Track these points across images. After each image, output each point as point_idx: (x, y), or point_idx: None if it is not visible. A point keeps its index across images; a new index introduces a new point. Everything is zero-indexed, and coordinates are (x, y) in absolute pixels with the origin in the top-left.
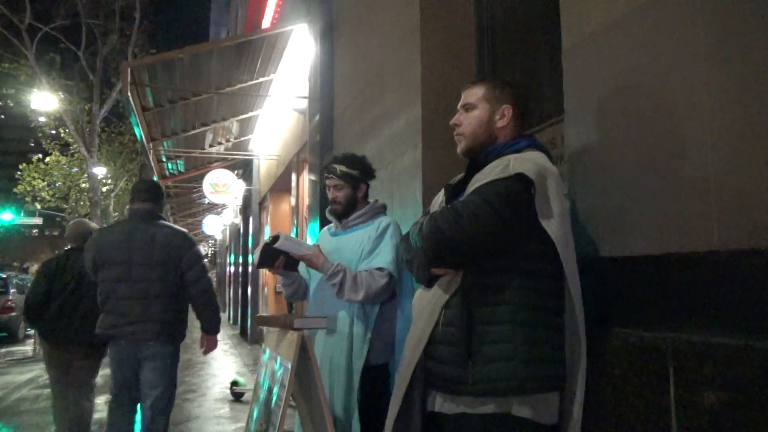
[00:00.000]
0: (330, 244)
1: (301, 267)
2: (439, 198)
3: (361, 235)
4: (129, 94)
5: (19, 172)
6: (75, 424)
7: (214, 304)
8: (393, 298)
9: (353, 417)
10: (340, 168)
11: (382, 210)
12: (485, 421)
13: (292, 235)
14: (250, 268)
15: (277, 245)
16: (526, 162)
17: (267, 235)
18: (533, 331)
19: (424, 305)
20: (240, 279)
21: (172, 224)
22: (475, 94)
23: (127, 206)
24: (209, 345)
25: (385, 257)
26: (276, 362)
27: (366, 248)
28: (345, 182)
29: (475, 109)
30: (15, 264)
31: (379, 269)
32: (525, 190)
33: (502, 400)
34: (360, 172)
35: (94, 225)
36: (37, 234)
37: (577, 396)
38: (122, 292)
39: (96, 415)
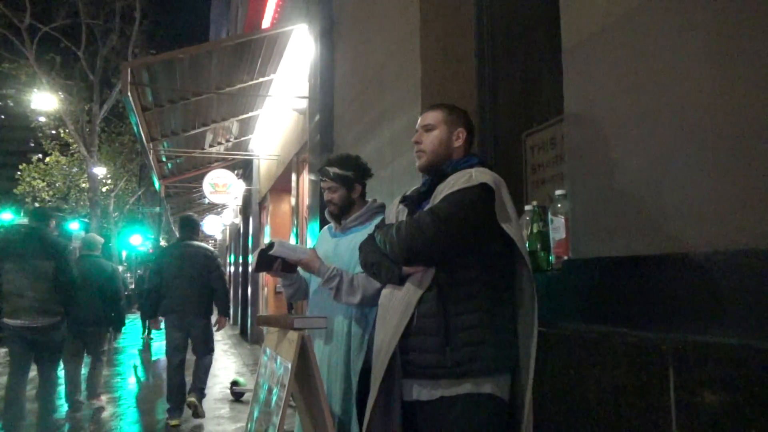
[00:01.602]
0: (329, 246)
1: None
2: (395, 207)
3: (359, 237)
4: (129, 94)
5: (19, 173)
6: (90, 379)
7: (227, 296)
8: None
9: (352, 418)
10: (333, 170)
11: (380, 210)
12: (463, 401)
13: (292, 235)
14: (250, 269)
15: (272, 252)
16: (486, 174)
17: (267, 235)
18: (496, 318)
19: (397, 301)
20: (240, 279)
21: (203, 244)
22: (434, 117)
23: (178, 236)
24: (221, 323)
25: None
26: (276, 362)
27: None
28: (339, 184)
29: (434, 130)
30: None
31: None
32: (488, 197)
33: (476, 380)
34: (354, 173)
35: (100, 239)
36: None
37: (529, 377)
38: (176, 284)
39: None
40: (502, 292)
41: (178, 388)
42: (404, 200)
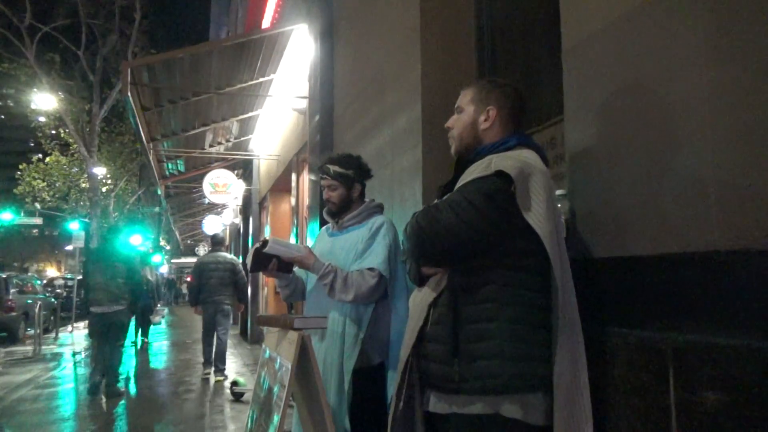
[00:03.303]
0: (326, 245)
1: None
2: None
3: (355, 235)
4: (129, 94)
5: (19, 173)
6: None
7: (246, 290)
8: (386, 299)
9: (345, 416)
10: (333, 168)
11: (377, 210)
12: (475, 422)
13: (292, 235)
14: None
15: (266, 250)
16: (508, 160)
17: (267, 235)
18: (519, 328)
19: (416, 304)
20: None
21: (229, 255)
22: (465, 97)
23: (209, 248)
24: (240, 308)
25: (376, 257)
26: (276, 362)
27: (359, 249)
28: (339, 182)
29: (463, 112)
30: (15, 264)
31: (370, 269)
32: (505, 187)
33: (490, 399)
34: (354, 172)
35: None
36: (37, 234)
37: (572, 397)
38: (212, 282)
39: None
40: (532, 297)
41: (209, 351)
42: (437, 191)
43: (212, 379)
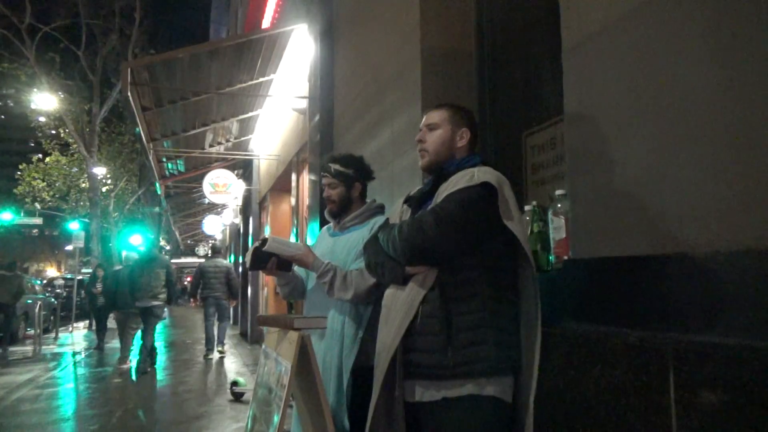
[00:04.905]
0: (328, 244)
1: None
2: (399, 207)
3: (356, 236)
4: (129, 94)
5: (19, 173)
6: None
7: (237, 289)
8: None
9: (344, 416)
10: (334, 167)
11: (378, 210)
12: (464, 402)
13: (292, 235)
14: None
15: (265, 248)
16: (488, 173)
17: (267, 235)
18: (499, 318)
19: (401, 301)
20: (239, 279)
21: (225, 260)
22: (439, 116)
23: (210, 256)
24: (232, 302)
25: None
26: (276, 362)
27: (359, 248)
28: (339, 181)
29: (438, 129)
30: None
31: None
32: (490, 196)
33: (478, 381)
34: (355, 171)
35: (134, 255)
36: (37, 234)
37: (533, 378)
38: (212, 282)
39: None
40: (505, 292)
41: (211, 338)
42: (407, 200)
43: (215, 356)
